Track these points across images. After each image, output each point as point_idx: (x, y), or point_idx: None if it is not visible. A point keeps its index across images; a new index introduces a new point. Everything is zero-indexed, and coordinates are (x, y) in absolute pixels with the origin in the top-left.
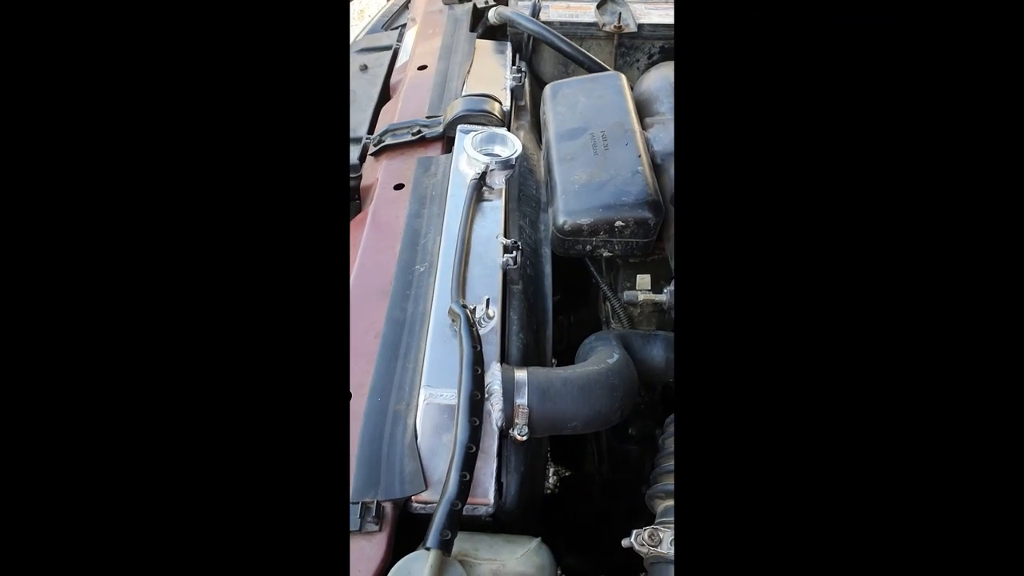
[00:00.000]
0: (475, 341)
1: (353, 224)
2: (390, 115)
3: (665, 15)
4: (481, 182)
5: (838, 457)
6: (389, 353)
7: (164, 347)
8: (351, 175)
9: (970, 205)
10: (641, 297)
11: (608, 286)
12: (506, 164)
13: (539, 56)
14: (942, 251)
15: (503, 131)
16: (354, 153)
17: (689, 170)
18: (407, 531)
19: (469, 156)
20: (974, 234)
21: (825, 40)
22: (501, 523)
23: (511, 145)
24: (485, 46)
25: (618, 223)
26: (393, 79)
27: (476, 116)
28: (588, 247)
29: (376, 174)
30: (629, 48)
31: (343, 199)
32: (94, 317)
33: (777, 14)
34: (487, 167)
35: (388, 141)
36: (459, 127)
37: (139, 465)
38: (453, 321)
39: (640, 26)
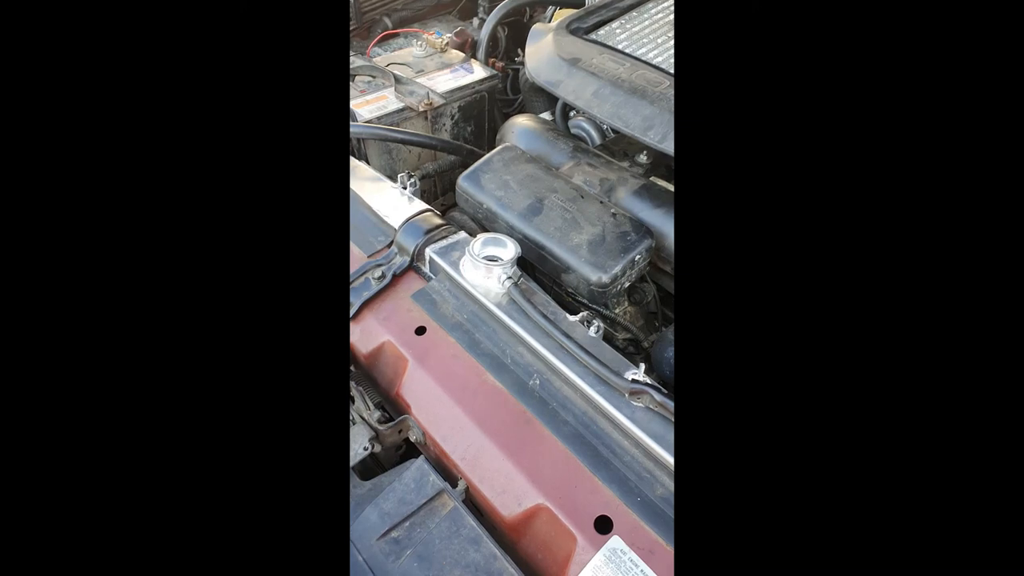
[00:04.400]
0: (672, 397)
1: (407, 383)
2: None
3: (451, 81)
4: (520, 284)
5: (840, 458)
6: (598, 463)
7: (164, 347)
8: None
9: (970, 204)
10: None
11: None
12: (517, 260)
13: (368, 153)
14: (942, 251)
15: (493, 234)
16: None
17: (689, 169)
18: None
19: (485, 267)
20: (974, 234)
21: (824, 41)
22: None
23: (508, 243)
24: None
25: (636, 257)
26: None
27: (433, 233)
28: (618, 287)
29: (377, 334)
30: (436, 116)
31: (342, 197)
32: (89, 314)
33: (776, 15)
34: (520, 273)
35: (356, 300)
36: (427, 250)
37: (138, 458)
38: (639, 397)
39: (442, 95)
